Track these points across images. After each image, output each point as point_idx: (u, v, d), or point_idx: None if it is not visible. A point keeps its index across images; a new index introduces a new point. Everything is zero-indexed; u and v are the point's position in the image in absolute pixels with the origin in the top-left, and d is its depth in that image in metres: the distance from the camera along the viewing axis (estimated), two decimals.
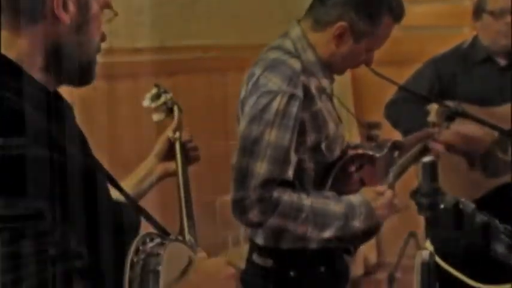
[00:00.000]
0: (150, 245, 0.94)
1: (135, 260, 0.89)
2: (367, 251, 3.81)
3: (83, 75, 0.95)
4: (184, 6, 3.10)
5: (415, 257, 0.97)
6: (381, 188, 1.57)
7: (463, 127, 2.10)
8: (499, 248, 1.11)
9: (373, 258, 3.86)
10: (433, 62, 2.38)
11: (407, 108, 2.32)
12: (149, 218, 1.06)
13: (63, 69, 0.90)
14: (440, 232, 2.16)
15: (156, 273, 0.87)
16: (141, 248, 0.92)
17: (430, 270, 0.79)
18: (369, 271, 3.81)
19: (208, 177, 3.24)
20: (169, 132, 1.43)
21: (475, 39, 2.35)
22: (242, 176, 1.39)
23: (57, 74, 0.90)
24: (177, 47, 3.12)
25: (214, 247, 3.29)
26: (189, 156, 1.46)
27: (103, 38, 0.99)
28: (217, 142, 3.27)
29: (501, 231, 1.13)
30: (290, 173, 1.43)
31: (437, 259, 0.95)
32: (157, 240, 0.97)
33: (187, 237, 1.16)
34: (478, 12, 2.30)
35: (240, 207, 1.40)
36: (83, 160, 0.84)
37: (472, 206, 1.20)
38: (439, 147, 1.76)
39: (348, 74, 3.66)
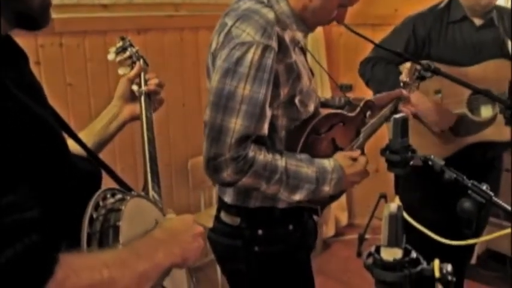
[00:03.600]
0: (111, 200, 0.91)
1: (94, 215, 0.86)
2: (338, 212, 3.86)
3: (36, 18, 0.88)
4: None
5: None
6: (355, 153, 1.54)
7: (424, 108, 2.11)
8: (466, 204, 1.11)
9: (344, 219, 3.92)
10: (410, 21, 2.34)
11: (381, 67, 2.31)
12: (110, 172, 1.02)
13: (16, 10, 0.83)
14: (410, 188, 2.20)
15: (116, 229, 0.84)
16: (101, 203, 0.89)
17: (397, 222, 0.78)
18: (340, 232, 3.87)
19: (180, 137, 3.21)
20: (134, 86, 1.38)
21: None
22: (216, 133, 1.32)
23: (8, 16, 0.83)
24: (149, 3, 3.02)
25: (187, 208, 3.30)
26: (155, 105, 1.42)
27: None
28: (189, 102, 3.22)
29: (469, 187, 1.13)
30: (265, 129, 1.38)
31: (405, 215, 0.94)
32: (119, 195, 0.93)
33: (151, 193, 1.13)
34: None
35: (213, 166, 1.32)
36: (36, 109, 0.79)
37: (441, 162, 1.19)
38: (407, 111, 1.74)
39: (321, 36, 3.64)
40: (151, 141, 1.27)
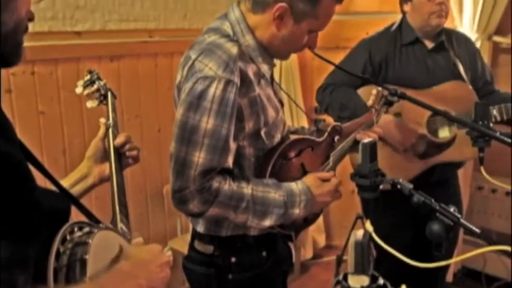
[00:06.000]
0: (78, 234, 0.90)
1: (61, 249, 0.85)
2: (316, 234, 3.86)
3: (7, 56, 0.88)
4: None
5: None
6: (326, 174, 1.56)
7: (386, 127, 2.15)
8: (435, 227, 1.13)
9: (322, 241, 3.92)
10: (365, 45, 2.38)
11: (341, 91, 2.33)
12: (79, 206, 1.01)
13: None
14: (381, 212, 2.23)
15: (83, 262, 0.83)
16: (68, 237, 0.88)
17: (363, 249, 0.79)
18: (318, 254, 3.87)
19: (155, 164, 3.19)
20: (101, 119, 1.38)
21: (403, 20, 2.37)
22: (180, 166, 1.34)
23: None
24: (122, 30, 3.03)
25: (163, 234, 3.27)
26: (127, 160, 1.40)
27: (31, 18, 0.92)
28: (164, 127, 3.21)
29: (437, 210, 1.15)
30: (230, 161, 1.40)
31: (376, 238, 0.95)
32: (87, 229, 0.93)
33: (119, 225, 1.12)
34: None
35: (180, 198, 1.35)
36: (1, 146, 0.78)
37: (410, 186, 1.21)
38: (373, 135, 1.76)
39: (295, 58, 3.68)
40: (119, 172, 1.27)
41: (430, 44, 2.34)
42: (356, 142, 1.74)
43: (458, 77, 2.29)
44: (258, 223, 1.43)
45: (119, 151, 1.37)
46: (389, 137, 2.20)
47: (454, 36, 2.40)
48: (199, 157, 1.33)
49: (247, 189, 1.40)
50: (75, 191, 1.32)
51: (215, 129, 1.33)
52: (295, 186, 1.48)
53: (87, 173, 1.36)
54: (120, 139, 1.37)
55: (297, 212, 1.46)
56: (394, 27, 2.38)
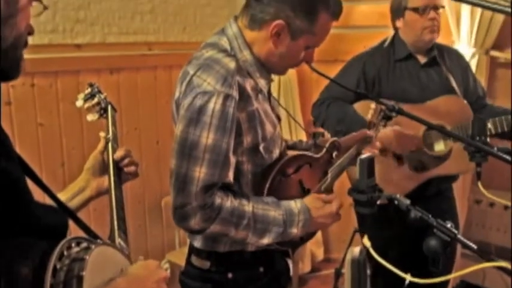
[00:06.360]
0: (75, 249, 0.89)
1: (58, 266, 0.84)
2: (314, 248, 3.85)
3: (7, 71, 0.89)
4: (126, 2, 3.03)
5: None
6: (329, 196, 1.55)
7: (393, 129, 2.15)
8: (432, 243, 1.13)
9: (320, 254, 3.91)
10: (358, 61, 2.40)
11: (336, 106, 2.34)
12: (77, 221, 1.01)
13: None
14: (377, 227, 2.23)
15: (80, 279, 0.83)
16: (65, 253, 0.88)
17: (359, 266, 0.79)
18: (316, 268, 3.85)
19: (154, 176, 3.19)
20: (101, 133, 1.38)
21: (395, 36, 2.40)
22: (182, 182, 1.33)
23: None
24: (122, 43, 3.04)
25: (161, 247, 3.26)
26: (126, 175, 1.40)
27: (31, 32, 0.93)
28: (163, 139, 3.22)
29: (434, 225, 1.15)
30: (230, 176, 1.39)
31: (373, 253, 0.95)
32: (84, 244, 0.92)
33: (118, 240, 1.12)
34: (399, 10, 2.34)
35: (181, 214, 1.34)
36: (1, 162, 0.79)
37: (407, 201, 1.21)
38: (373, 151, 1.76)
39: (293, 73, 3.69)
40: (118, 186, 1.27)
41: (422, 59, 2.36)
42: (356, 157, 1.74)
43: (451, 91, 2.31)
44: (257, 241, 1.43)
45: (118, 165, 1.37)
46: (391, 144, 2.21)
47: (446, 51, 2.43)
48: (200, 172, 1.32)
49: (248, 206, 1.39)
50: (73, 204, 1.32)
51: (215, 144, 1.33)
52: (294, 205, 1.47)
53: (85, 186, 1.36)
54: (119, 153, 1.37)
55: (295, 231, 1.46)
56: (386, 43, 2.40)
